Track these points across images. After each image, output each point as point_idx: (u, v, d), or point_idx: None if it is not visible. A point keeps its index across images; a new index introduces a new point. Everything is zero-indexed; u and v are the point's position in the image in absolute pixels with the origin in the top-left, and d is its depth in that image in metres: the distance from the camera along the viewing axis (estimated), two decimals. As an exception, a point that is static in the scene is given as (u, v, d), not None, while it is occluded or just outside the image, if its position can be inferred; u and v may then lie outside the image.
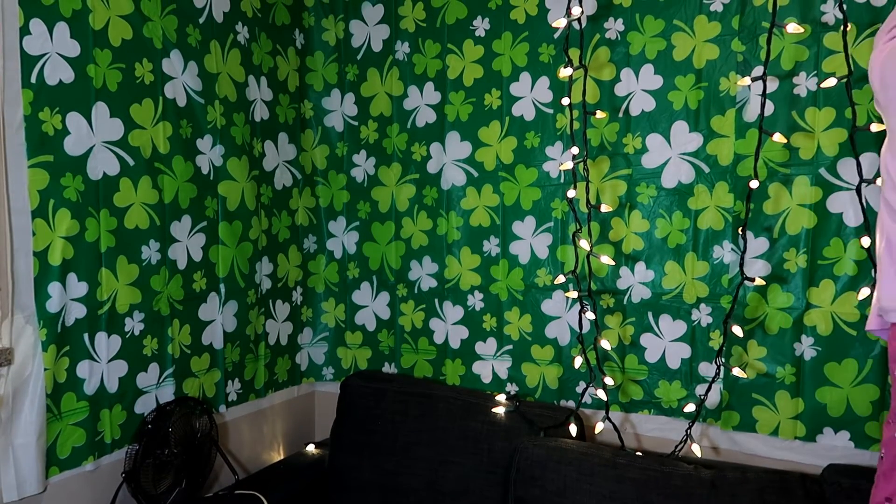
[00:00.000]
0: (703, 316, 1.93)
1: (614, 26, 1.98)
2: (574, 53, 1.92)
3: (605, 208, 1.98)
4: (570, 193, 1.94)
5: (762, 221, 1.83)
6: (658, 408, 2.00)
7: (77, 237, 1.63)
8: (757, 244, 1.83)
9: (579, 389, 2.09)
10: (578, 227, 1.94)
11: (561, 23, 1.88)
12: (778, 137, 1.67)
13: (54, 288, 1.58)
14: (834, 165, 1.75)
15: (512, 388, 2.20)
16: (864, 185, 1.61)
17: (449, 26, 2.21)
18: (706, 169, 1.90)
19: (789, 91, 1.78)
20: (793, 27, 1.65)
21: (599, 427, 1.96)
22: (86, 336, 1.67)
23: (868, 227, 1.63)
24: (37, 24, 1.53)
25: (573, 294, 1.99)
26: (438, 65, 2.24)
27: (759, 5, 1.81)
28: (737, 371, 1.79)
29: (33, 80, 1.53)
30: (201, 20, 1.97)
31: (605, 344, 2.01)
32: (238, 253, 2.12)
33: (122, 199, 1.74)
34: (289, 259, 2.38)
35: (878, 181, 1.37)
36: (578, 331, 1.96)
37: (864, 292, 1.67)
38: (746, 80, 1.73)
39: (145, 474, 1.73)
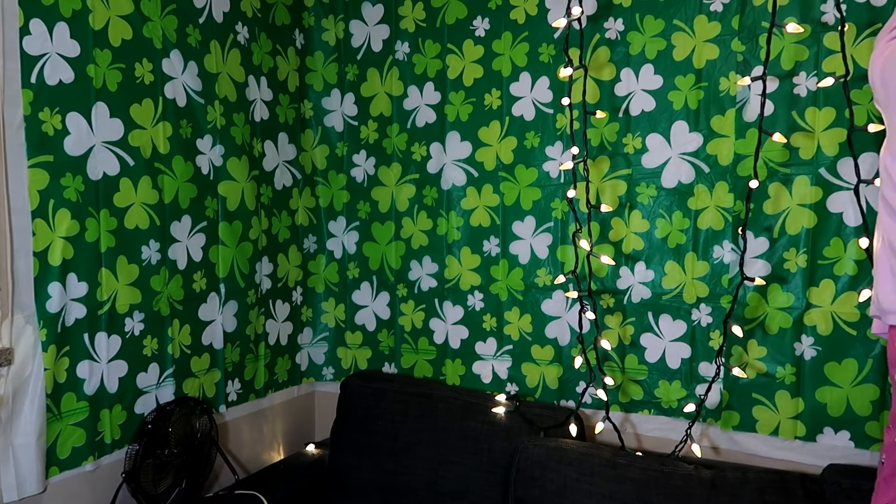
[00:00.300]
0: (703, 316, 1.93)
1: (614, 26, 1.98)
2: (574, 53, 1.92)
3: (605, 208, 1.98)
4: (570, 193, 1.94)
5: (762, 221, 1.83)
6: (658, 408, 2.00)
7: (77, 237, 1.63)
8: (757, 244, 1.83)
9: (579, 389, 2.09)
10: (578, 227, 1.95)
11: (561, 23, 1.88)
12: (778, 137, 1.67)
13: (54, 288, 1.58)
14: (834, 165, 1.74)
15: (512, 388, 2.20)
16: (862, 185, 1.61)
17: (449, 26, 2.21)
18: (706, 169, 1.90)
19: (789, 91, 1.78)
20: (793, 27, 1.65)
21: (599, 427, 1.96)
22: (86, 336, 1.67)
23: (867, 227, 1.63)
24: (37, 24, 1.53)
25: (573, 294, 1.99)
26: (438, 65, 2.24)
27: (758, 5, 1.81)
28: (737, 371, 1.79)
29: (33, 80, 1.53)
30: (201, 20, 1.97)
31: (605, 344, 2.01)
32: (238, 253, 2.12)
33: (122, 199, 1.74)
34: (289, 259, 2.38)
35: (877, 181, 1.37)
36: (578, 331, 1.97)
37: (865, 293, 1.67)
38: (746, 80, 1.73)
39: (145, 474, 1.73)
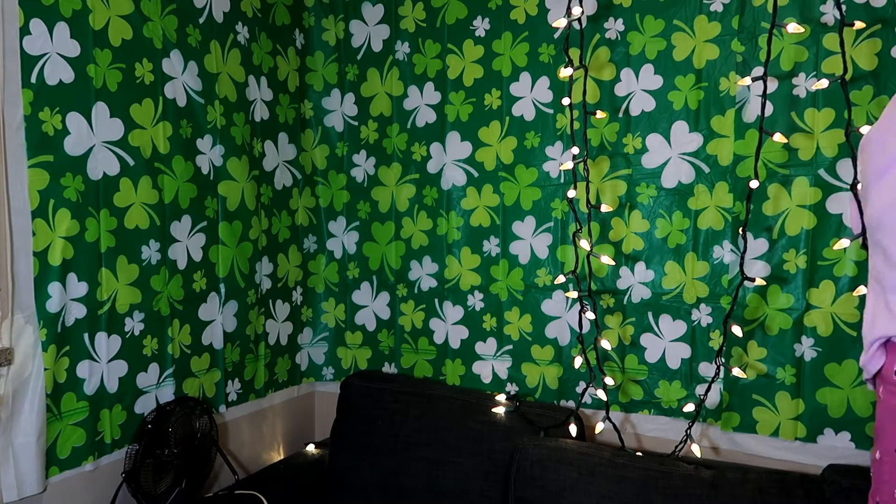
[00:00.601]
0: (703, 316, 1.93)
1: (614, 26, 1.98)
2: (574, 53, 1.92)
3: (605, 208, 1.98)
4: (570, 193, 1.94)
5: (762, 222, 1.83)
6: (658, 408, 2.00)
7: (77, 237, 1.63)
8: (756, 245, 1.83)
9: (579, 389, 2.09)
10: (578, 227, 1.95)
11: (561, 23, 1.88)
12: (778, 137, 1.67)
13: (54, 288, 1.58)
14: (833, 166, 1.74)
15: (512, 388, 2.20)
16: (859, 184, 1.61)
17: (449, 26, 2.21)
18: (706, 169, 1.90)
19: (789, 92, 1.78)
20: (793, 27, 1.65)
21: (599, 427, 1.97)
22: (86, 336, 1.67)
23: (865, 227, 1.63)
24: (37, 24, 1.53)
25: (573, 294, 1.99)
26: (438, 65, 2.24)
27: (758, 5, 1.81)
28: (737, 371, 1.79)
29: (33, 80, 1.53)
30: (201, 20, 1.97)
31: (605, 344, 2.01)
32: (238, 253, 2.12)
33: (122, 199, 1.74)
34: (289, 259, 2.38)
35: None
36: (578, 331, 1.97)
37: (861, 290, 1.67)
38: (746, 81, 1.73)
39: (145, 474, 1.73)
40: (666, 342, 1.98)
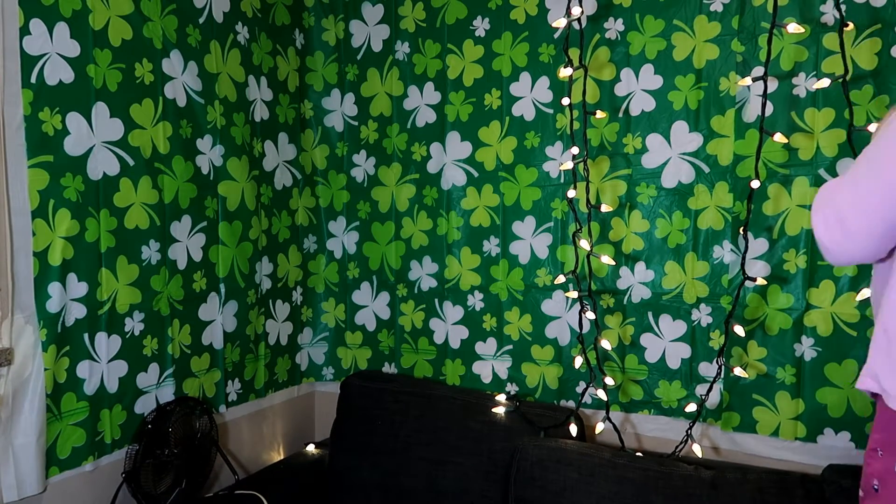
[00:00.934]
0: (703, 316, 1.93)
1: (614, 26, 1.98)
2: (574, 53, 1.92)
3: (605, 208, 1.98)
4: (570, 193, 1.94)
5: (762, 222, 1.83)
6: (658, 408, 2.00)
7: (77, 237, 1.63)
8: (757, 245, 1.83)
9: (579, 389, 2.09)
10: (578, 227, 1.95)
11: (561, 23, 1.88)
12: (779, 137, 1.67)
13: (54, 288, 1.58)
14: (833, 166, 1.74)
15: (512, 388, 2.20)
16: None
17: (449, 26, 2.21)
18: (706, 169, 1.90)
19: (788, 92, 1.78)
20: (793, 27, 1.65)
21: (599, 427, 1.96)
22: (86, 336, 1.67)
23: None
24: (37, 24, 1.53)
25: (573, 294, 1.99)
26: (438, 65, 2.24)
27: (758, 5, 1.81)
28: (738, 371, 1.79)
29: (33, 80, 1.53)
30: (201, 20, 1.97)
31: (606, 344, 2.01)
32: (238, 253, 2.12)
33: (122, 199, 1.74)
34: (289, 259, 2.38)
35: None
36: (578, 331, 1.97)
37: (864, 293, 1.67)
38: (746, 81, 1.73)
39: (145, 474, 1.73)
40: (666, 342, 1.98)
